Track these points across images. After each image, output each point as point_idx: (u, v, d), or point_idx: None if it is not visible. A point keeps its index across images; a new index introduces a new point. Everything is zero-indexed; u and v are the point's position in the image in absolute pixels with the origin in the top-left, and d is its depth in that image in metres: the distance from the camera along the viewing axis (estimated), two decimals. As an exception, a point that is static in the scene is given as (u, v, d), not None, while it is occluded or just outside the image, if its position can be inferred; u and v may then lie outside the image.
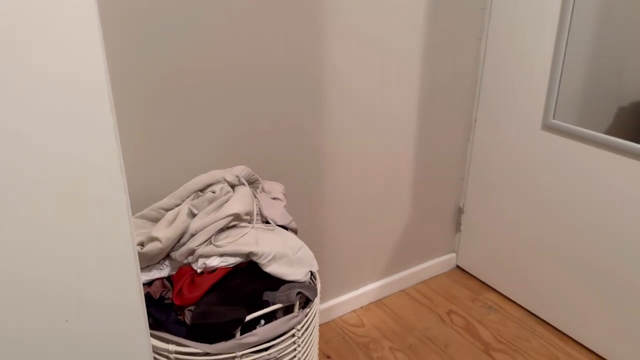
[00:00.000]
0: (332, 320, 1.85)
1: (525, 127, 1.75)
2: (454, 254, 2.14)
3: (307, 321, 1.14)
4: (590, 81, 1.58)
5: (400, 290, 2.01)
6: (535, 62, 1.67)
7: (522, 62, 1.71)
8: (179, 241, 1.14)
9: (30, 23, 0.57)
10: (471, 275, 2.11)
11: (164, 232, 1.11)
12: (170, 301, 1.11)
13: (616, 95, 1.54)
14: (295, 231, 1.33)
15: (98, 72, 0.61)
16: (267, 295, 1.09)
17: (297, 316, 1.10)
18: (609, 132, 1.55)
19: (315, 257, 1.71)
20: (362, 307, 1.91)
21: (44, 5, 0.57)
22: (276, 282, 1.12)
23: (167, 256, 1.16)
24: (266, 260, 1.12)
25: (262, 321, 1.08)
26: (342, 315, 1.87)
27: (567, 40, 1.57)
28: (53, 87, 0.60)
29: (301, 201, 1.62)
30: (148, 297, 1.10)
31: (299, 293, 1.09)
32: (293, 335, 1.11)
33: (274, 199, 1.32)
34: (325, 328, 1.81)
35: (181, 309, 1.10)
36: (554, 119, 1.65)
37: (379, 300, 1.96)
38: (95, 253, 0.69)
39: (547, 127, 1.68)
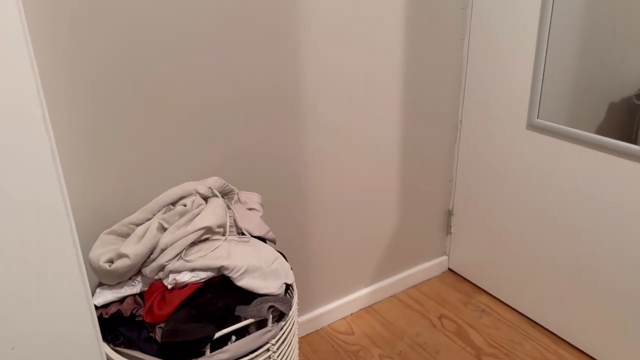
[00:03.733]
0: (321, 328, 1.82)
1: (511, 127, 1.72)
2: (445, 257, 2.11)
3: (282, 335, 1.11)
4: (578, 79, 1.54)
5: (391, 296, 1.98)
6: (518, 60, 1.64)
7: (505, 61, 1.68)
8: (149, 257, 1.11)
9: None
10: (463, 278, 2.08)
11: (133, 248, 1.09)
12: (141, 318, 1.09)
13: (606, 92, 1.50)
14: (273, 241, 1.30)
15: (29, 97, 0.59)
16: (239, 310, 1.06)
17: (270, 330, 1.07)
18: (599, 130, 1.51)
19: (302, 265, 1.70)
20: (352, 314, 1.89)
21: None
22: (249, 296, 1.10)
23: (139, 272, 1.14)
24: (238, 274, 1.09)
25: (234, 337, 1.05)
26: (332, 322, 1.84)
27: (549, 38, 1.53)
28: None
29: (286, 208, 1.59)
30: (118, 316, 1.08)
31: (271, 307, 1.07)
32: (268, 350, 1.08)
33: (250, 209, 1.29)
34: (314, 337, 1.78)
35: (153, 326, 1.08)
36: (538, 118, 1.62)
37: (369, 306, 1.93)
38: (39, 278, 0.67)
39: (532, 127, 1.65)
